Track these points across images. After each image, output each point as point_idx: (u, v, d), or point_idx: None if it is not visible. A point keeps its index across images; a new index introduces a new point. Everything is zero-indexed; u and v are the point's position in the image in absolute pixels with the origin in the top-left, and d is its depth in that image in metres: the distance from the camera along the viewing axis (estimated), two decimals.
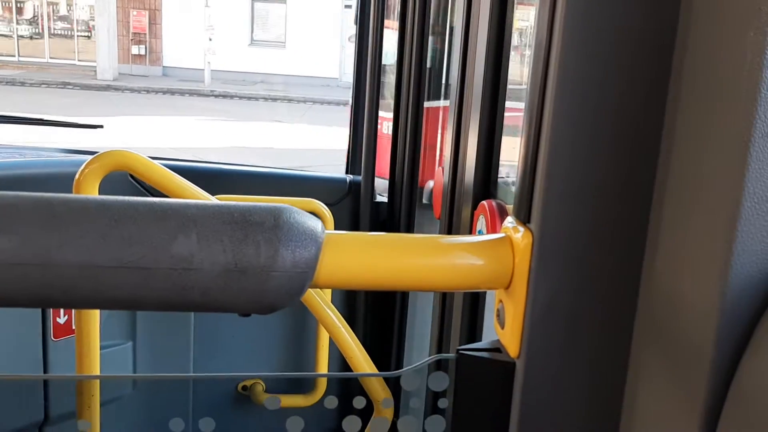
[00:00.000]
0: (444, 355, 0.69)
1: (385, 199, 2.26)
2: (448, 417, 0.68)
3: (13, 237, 0.53)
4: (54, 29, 19.61)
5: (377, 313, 2.22)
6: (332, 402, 0.75)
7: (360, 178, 2.24)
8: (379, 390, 1.51)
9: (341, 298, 2.22)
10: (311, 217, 0.60)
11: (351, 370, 1.63)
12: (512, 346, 0.63)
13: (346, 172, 2.44)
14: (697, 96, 0.54)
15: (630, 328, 0.62)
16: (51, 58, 19.47)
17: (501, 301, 0.65)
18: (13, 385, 1.83)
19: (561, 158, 0.59)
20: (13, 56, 19.31)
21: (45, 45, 19.51)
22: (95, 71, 18.31)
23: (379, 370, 1.93)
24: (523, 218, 0.62)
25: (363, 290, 2.18)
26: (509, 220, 0.65)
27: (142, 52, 19.04)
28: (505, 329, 0.65)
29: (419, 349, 2.10)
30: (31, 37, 19.56)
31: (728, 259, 0.48)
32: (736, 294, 0.49)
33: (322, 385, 2.17)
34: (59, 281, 0.54)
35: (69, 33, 19.66)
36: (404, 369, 0.66)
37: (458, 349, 0.66)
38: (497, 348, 0.66)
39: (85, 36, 19.59)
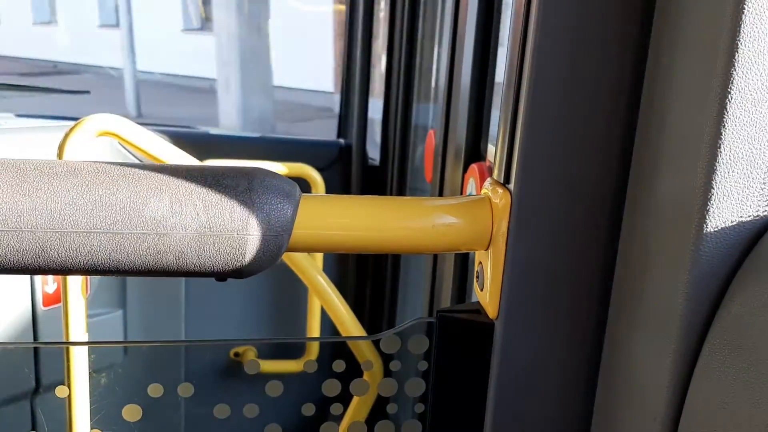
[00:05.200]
0: (424, 318, 0.69)
1: (377, 163, 2.25)
2: (428, 380, 0.68)
3: None
4: None
5: (368, 278, 2.23)
6: (311, 366, 0.75)
7: (351, 142, 2.22)
8: (367, 354, 1.52)
9: (332, 263, 2.22)
10: (286, 179, 0.59)
11: (341, 335, 1.64)
12: (491, 307, 0.63)
13: (338, 137, 2.42)
14: (676, 42, 0.53)
15: (608, 287, 0.62)
16: None
17: (480, 262, 0.65)
18: (2, 355, 1.84)
19: (540, 118, 0.58)
20: None
21: None
22: None
23: (373, 334, 1.94)
24: (503, 179, 0.61)
25: (354, 255, 2.18)
26: (489, 182, 0.64)
27: None
28: (484, 290, 0.64)
29: (412, 313, 2.11)
30: None
31: (704, 214, 0.48)
32: (711, 247, 0.48)
33: (314, 350, 2.18)
34: (31, 247, 0.54)
35: None
36: (384, 332, 0.66)
37: (438, 311, 0.66)
38: (477, 309, 0.66)
39: None
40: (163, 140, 1.46)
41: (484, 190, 0.64)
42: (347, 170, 2.23)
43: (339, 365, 0.70)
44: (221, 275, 0.59)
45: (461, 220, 0.61)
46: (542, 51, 0.57)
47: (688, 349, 0.50)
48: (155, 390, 0.65)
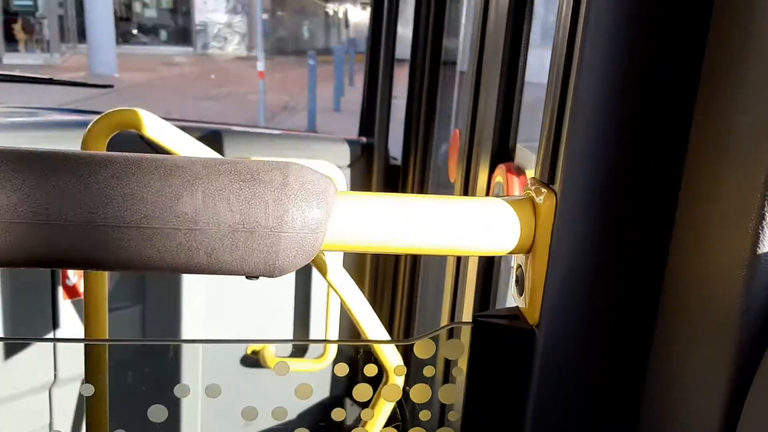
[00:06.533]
0: (459, 322, 0.67)
1: (398, 162, 2.23)
2: (459, 386, 0.66)
3: (11, 194, 0.51)
4: None
5: (387, 278, 2.20)
6: (342, 369, 0.73)
7: (374, 140, 2.20)
8: (390, 357, 1.50)
9: (351, 262, 2.20)
10: (322, 175, 0.57)
11: (360, 336, 1.62)
12: (531, 313, 0.61)
13: (359, 135, 2.40)
14: (734, 54, 0.50)
15: (656, 295, 0.59)
16: None
17: (520, 266, 0.62)
18: (23, 347, 1.84)
19: (588, 116, 0.55)
20: None
21: None
22: None
23: (389, 336, 1.92)
24: (547, 180, 0.59)
25: (372, 255, 2.16)
26: (531, 182, 0.62)
27: None
28: (524, 296, 0.62)
29: (430, 316, 2.08)
30: None
31: (759, 227, 0.45)
32: (766, 261, 0.46)
33: (332, 350, 2.16)
34: (60, 240, 0.52)
35: None
36: (418, 336, 0.64)
37: (474, 316, 0.63)
38: (515, 315, 0.64)
39: None
40: (186, 135, 1.45)
41: (526, 191, 0.62)
42: (368, 168, 2.21)
43: (371, 369, 0.68)
44: (253, 273, 0.57)
45: (503, 222, 0.59)
46: (592, 46, 0.54)
47: (746, 363, 0.48)
48: (182, 390, 0.63)
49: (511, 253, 0.60)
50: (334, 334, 2.07)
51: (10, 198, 0.50)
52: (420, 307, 2.08)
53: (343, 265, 2.03)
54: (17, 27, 19.18)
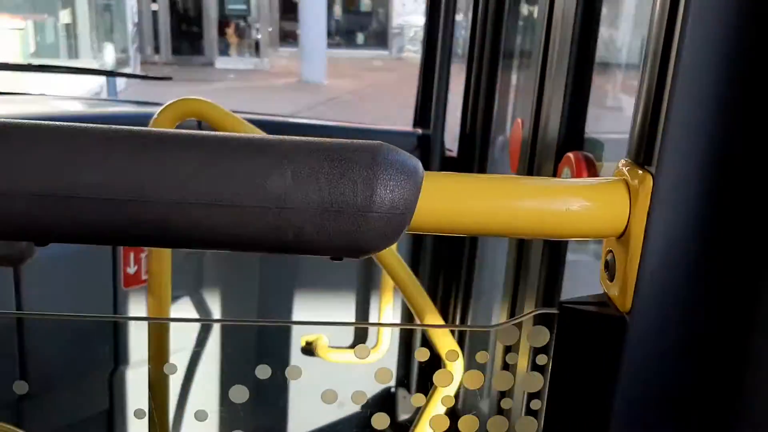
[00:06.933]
0: (545, 309, 0.65)
1: (454, 155, 2.20)
2: (517, 374, 0.64)
3: (104, 170, 0.51)
4: None
5: (444, 261, 2.18)
6: (393, 354, 0.72)
7: (429, 131, 2.18)
8: (445, 342, 1.48)
9: (407, 246, 2.19)
10: (410, 156, 0.56)
11: (414, 321, 1.61)
12: (622, 300, 0.58)
13: (413, 126, 2.39)
14: None
15: (757, 284, 0.56)
16: None
17: (611, 250, 0.60)
18: (85, 330, 1.88)
19: (690, 92, 0.53)
20: None
21: None
22: None
23: (446, 322, 1.91)
24: (642, 161, 0.57)
25: (431, 239, 2.14)
26: (623, 163, 0.59)
27: None
28: (615, 281, 0.60)
29: (487, 305, 2.06)
30: None
31: None
32: None
33: (386, 338, 2.16)
34: (152, 218, 0.52)
35: None
36: (502, 322, 0.63)
37: (560, 302, 0.62)
38: (604, 302, 0.62)
39: None
40: (250, 125, 1.46)
41: (617, 171, 0.59)
42: (424, 161, 2.19)
43: (423, 353, 0.66)
44: (338, 254, 0.57)
45: (595, 204, 0.57)
46: (694, 23, 0.51)
47: None
48: (263, 371, 0.63)
49: (603, 236, 0.58)
50: (388, 319, 2.06)
51: (102, 174, 0.51)
52: (476, 291, 2.06)
53: (402, 247, 2.01)
54: (230, 31, 19.29)
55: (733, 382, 0.58)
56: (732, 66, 0.52)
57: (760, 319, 0.56)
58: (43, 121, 0.52)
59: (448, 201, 0.56)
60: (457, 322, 2.08)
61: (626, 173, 0.58)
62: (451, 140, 2.27)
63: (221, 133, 0.55)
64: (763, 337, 0.56)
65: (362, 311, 2.27)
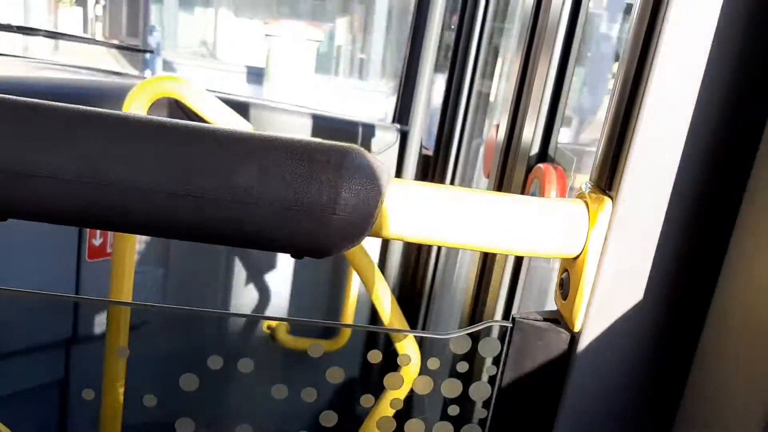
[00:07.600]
0: (498, 321, 0.66)
1: (430, 153, 2.21)
2: (476, 385, 0.65)
3: (70, 151, 0.51)
4: None
5: (413, 265, 2.20)
6: (356, 351, 0.72)
7: (408, 128, 2.18)
8: (403, 345, 1.49)
9: (377, 248, 2.20)
10: (378, 161, 0.56)
11: (379, 320, 1.62)
12: (574, 319, 0.60)
13: (393, 121, 2.39)
14: None
15: (703, 314, 0.58)
16: None
17: (566, 270, 0.62)
18: (45, 302, 1.86)
19: (656, 128, 0.54)
20: None
21: None
22: None
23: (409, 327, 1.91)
24: (605, 185, 0.58)
25: (402, 244, 2.15)
26: (586, 185, 0.61)
27: None
28: (567, 300, 0.61)
29: (448, 314, 2.07)
30: None
31: None
32: None
33: (347, 331, 2.16)
34: (111, 203, 0.52)
35: None
36: (454, 331, 0.64)
37: (514, 316, 0.63)
38: (556, 319, 0.63)
39: None
40: (226, 106, 1.45)
41: (580, 194, 0.61)
42: (400, 156, 2.20)
43: (375, 356, 0.67)
44: (300, 253, 0.57)
45: (555, 224, 0.58)
46: (668, 56, 0.53)
47: None
48: (215, 362, 0.63)
49: (560, 256, 0.59)
50: (352, 315, 2.07)
51: (69, 155, 0.51)
52: (438, 301, 2.07)
53: (372, 248, 2.01)
54: None
55: (673, 402, 0.60)
56: (697, 108, 0.53)
57: (703, 344, 0.58)
58: (8, 96, 0.52)
59: (411, 210, 0.57)
60: (420, 326, 2.09)
61: (587, 196, 0.59)
62: (431, 138, 2.27)
63: (192, 122, 0.54)
64: (703, 360, 0.57)
65: (329, 303, 2.27)
